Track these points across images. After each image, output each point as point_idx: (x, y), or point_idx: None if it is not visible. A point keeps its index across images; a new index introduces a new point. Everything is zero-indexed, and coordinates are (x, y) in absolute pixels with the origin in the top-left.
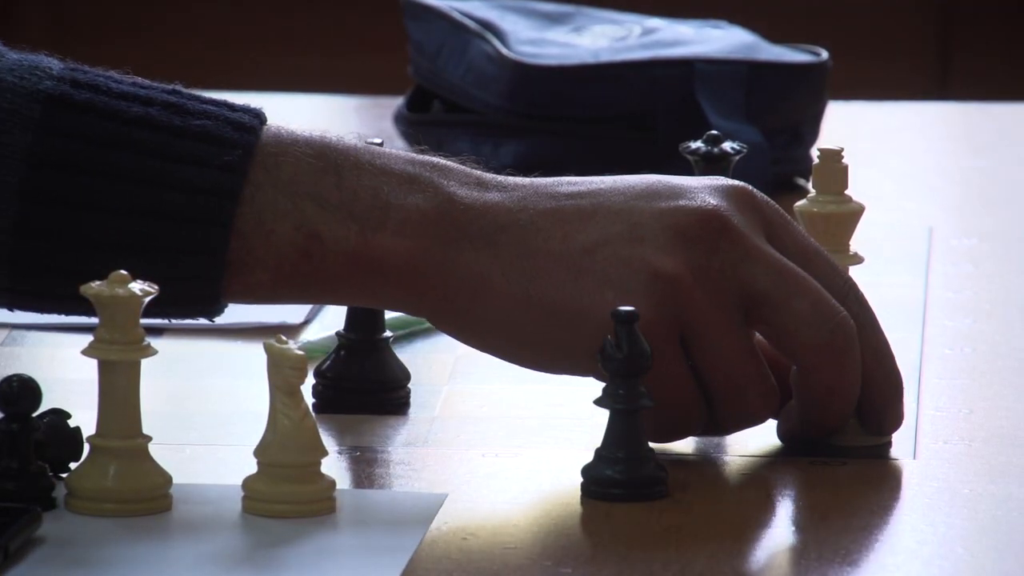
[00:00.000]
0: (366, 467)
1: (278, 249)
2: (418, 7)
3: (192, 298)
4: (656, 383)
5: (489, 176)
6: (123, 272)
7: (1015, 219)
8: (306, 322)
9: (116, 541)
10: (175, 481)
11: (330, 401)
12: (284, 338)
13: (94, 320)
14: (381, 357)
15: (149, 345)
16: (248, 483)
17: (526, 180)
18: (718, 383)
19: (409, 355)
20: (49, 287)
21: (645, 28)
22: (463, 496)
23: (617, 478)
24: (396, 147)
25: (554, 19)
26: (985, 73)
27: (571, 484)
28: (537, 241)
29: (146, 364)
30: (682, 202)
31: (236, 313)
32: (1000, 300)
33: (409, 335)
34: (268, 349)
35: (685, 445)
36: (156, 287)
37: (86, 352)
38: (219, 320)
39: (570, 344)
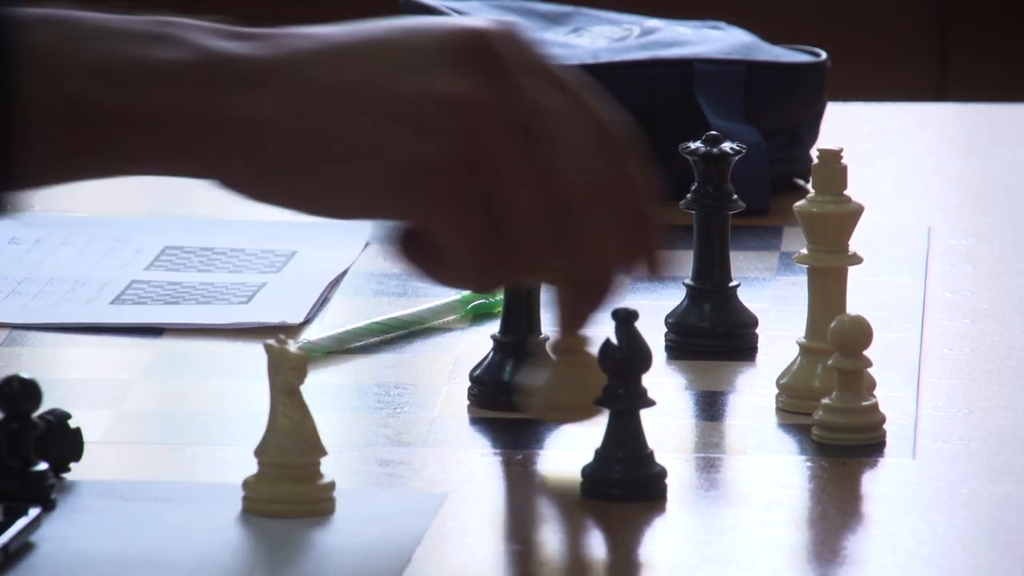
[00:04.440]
0: (366, 467)
1: (47, 122)
2: (418, 7)
3: None
4: (456, 226)
5: (235, 28)
6: None
7: (1013, 219)
8: (306, 322)
9: (116, 541)
10: (175, 481)
11: (485, 402)
12: (284, 338)
13: (93, 320)
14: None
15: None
16: (248, 483)
17: (274, 30)
18: (511, 216)
19: (409, 355)
20: None
21: (644, 28)
22: (463, 496)
23: (617, 478)
24: None
25: (553, 20)
26: (983, 74)
27: (571, 484)
28: (309, 78)
29: (146, 364)
30: (455, 25)
31: (236, 313)
32: (999, 300)
33: (408, 335)
34: (268, 349)
35: (685, 445)
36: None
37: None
38: (219, 320)
39: (362, 185)
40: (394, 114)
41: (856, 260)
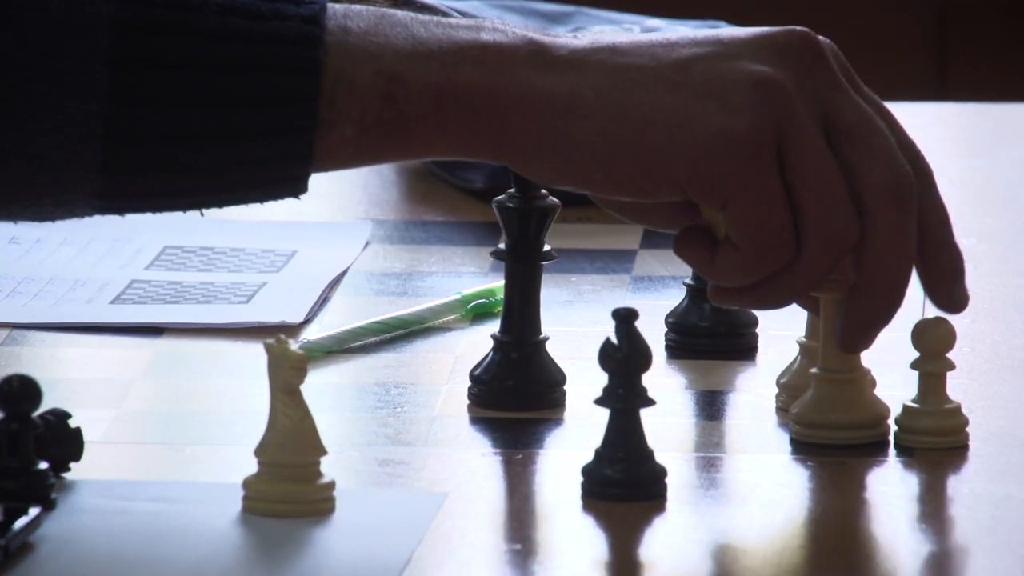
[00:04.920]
0: (366, 467)
1: (361, 98)
2: (417, 7)
3: (281, 157)
4: (755, 205)
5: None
6: None
7: (1013, 219)
8: (306, 322)
9: (116, 541)
10: (175, 481)
11: (486, 402)
12: (284, 338)
13: (93, 320)
14: (540, 359)
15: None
16: (248, 483)
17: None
18: (810, 201)
19: (409, 355)
20: (145, 158)
21: (645, 28)
22: (463, 496)
23: (617, 478)
24: None
25: (554, 19)
26: (983, 74)
27: (571, 484)
28: (625, 59)
29: (146, 364)
30: (772, 28)
31: (236, 313)
32: (999, 300)
33: (408, 335)
34: (268, 349)
35: (685, 445)
36: None
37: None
38: (219, 320)
39: (665, 159)
40: (704, 93)
41: None
